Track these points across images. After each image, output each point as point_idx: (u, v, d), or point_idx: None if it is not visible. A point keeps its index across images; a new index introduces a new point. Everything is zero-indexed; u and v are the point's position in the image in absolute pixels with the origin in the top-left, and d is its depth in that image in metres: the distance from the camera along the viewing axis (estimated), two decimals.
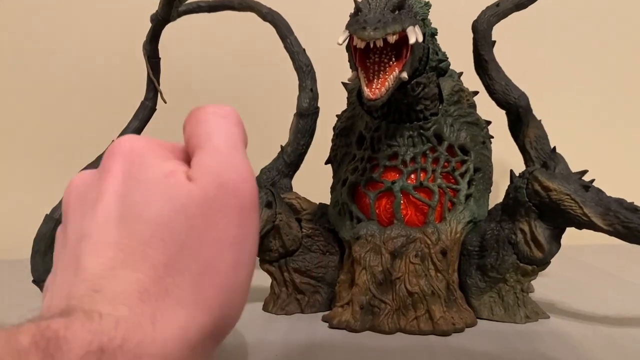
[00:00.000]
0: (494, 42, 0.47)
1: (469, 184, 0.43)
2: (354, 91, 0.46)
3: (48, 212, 0.43)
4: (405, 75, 0.36)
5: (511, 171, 0.42)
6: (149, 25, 0.50)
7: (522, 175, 0.41)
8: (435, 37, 0.43)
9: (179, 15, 0.50)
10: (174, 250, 0.20)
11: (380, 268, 0.40)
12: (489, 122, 0.46)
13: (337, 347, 0.36)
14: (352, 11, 0.36)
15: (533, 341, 0.36)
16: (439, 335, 0.38)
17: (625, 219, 0.36)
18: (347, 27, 0.36)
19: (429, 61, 0.41)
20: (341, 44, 0.36)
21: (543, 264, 0.40)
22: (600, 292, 0.49)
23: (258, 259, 0.44)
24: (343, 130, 0.46)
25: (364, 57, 0.37)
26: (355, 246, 0.41)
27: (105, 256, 0.20)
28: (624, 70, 0.78)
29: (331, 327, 0.40)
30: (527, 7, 0.48)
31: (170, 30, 0.50)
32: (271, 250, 0.43)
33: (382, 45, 0.35)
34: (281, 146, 0.50)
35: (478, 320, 0.40)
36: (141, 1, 0.53)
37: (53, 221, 0.42)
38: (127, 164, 0.22)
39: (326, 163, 0.49)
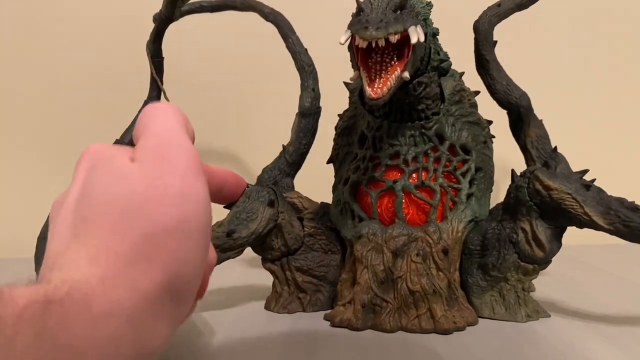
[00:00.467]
0: (496, 42, 0.47)
1: (471, 183, 0.43)
2: (355, 91, 0.46)
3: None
4: (407, 74, 0.37)
5: (512, 170, 0.42)
6: (152, 24, 0.50)
7: (523, 174, 0.41)
8: (437, 37, 0.43)
9: (182, 15, 0.50)
10: (118, 216, 0.21)
11: (381, 267, 0.40)
12: (490, 122, 0.47)
13: (338, 345, 0.36)
14: (354, 11, 0.37)
15: (534, 340, 0.36)
16: (440, 334, 0.38)
17: (626, 218, 0.36)
18: (349, 26, 0.36)
19: (431, 61, 0.41)
20: (343, 44, 0.36)
21: (544, 263, 0.40)
22: (601, 292, 0.49)
23: (260, 257, 0.45)
24: (345, 129, 0.47)
25: (366, 57, 0.37)
26: (357, 245, 0.41)
27: (62, 238, 0.22)
28: (625, 70, 0.78)
29: (333, 325, 0.40)
30: (528, 7, 0.48)
31: (173, 30, 0.50)
32: (273, 249, 0.43)
33: (384, 44, 0.35)
34: (283, 145, 0.50)
35: (479, 319, 0.41)
36: (144, 1, 0.53)
37: None
38: (89, 162, 0.25)
39: (328, 162, 0.49)
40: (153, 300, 0.21)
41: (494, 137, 0.47)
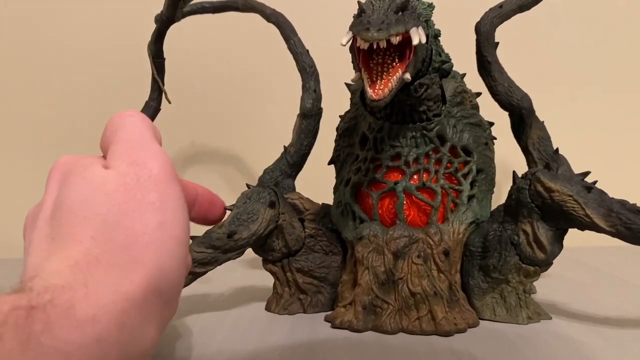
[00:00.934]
0: (497, 43, 0.47)
1: (472, 185, 0.43)
2: (357, 92, 0.46)
3: None
4: (408, 76, 0.37)
5: (514, 172, 0.42)
6: (154, 25, 0.50)
7: (524, 176, 0.41)
8: (439, 38, 0.43)
9: (183, 16, 0.50)
10: (97, 224, 0.22)
11: (382, 268, 0.40)
12: (491, 124, 0.47)
13: (339, 347, 0.36)
14: (356, 12, 0.37)
15: (535, 342, 0.36)
16: (441, 336, 0.38)
17: (628, 220, 0.36)
18: (351, 28, 0.36)
19: (432, 62, 0.41)
20: (345, 45, 0.36)
21: (545, 265, 0.40)
22: (603, 294, 0.49)
23: (261, 259, 0.45)
24: (346, 130, 0.47)
25: (368, 58, 0.37)
26: (358, 246, 0.41)
27: (40, 249, 0.22)
28: (627, 72, 0.78)
29: (333, 327, 0.40)
30: (530, 8, 0.48)
31: (174, 31, 0.50)
32: (274, 250, 0.43)
33: (385, 46, 0.35)
34: (284, 147, 0.50)
35: (480, 321, 0.40)
36: (146, 2, 0.53)
37: None
38: (59, 174, 0.25)
39: (329, 163, 0.49)
40: (138, 303, 0.21)
41: (495, 138, 0.47)
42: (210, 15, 0.54)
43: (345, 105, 0.48)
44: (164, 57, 0.51)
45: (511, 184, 0.42)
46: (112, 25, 0.74)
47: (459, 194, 0.42)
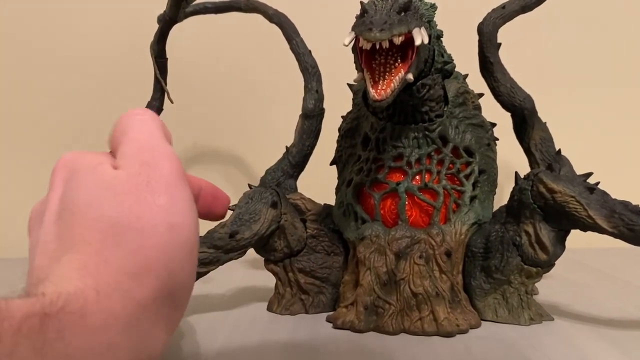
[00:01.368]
0: (500, 44, 0.47)
1: (474, 185, 0.43)
2: (359, 92, 0.46)
3: None
4: (410, 76, 0.37)
5: (516, 173, 0.42)
6: (157, 25, 0.50)
7: (527, 177, 0.41)
8: (441, 39, 0.43)
9: (186, 16, 0.50)
10: (107, 226, 0.21)
11: (384, 269, 0.40)
12: (494, 124, 0.47)
13: (341, 347, 0.36)
14: (358, 13, 0.37)
15: (537, 343, 0.36)
16: (443, 337, 0.38)
17: (630, 221, 0.36)
18: (353, 28, 0.36)
19: (435, 63, 0.41)
20: (347, 45, 0.36)
21: (547, 266, 0.40)
22: (605, 295, 0.49)
23: (263, 259, 0.45)
24: (348, 131, 0.47)
25: (370, 59, 0.37)
26: (359, 247, 0.41)
27: (48, 251, 0.22)
28: (630, 72, 0.78)
29: (335, 327, 0.40)
30: (532, 9, 0.48)
31: (177, 31, 0.51)
32: (276, 250, 0.43)
33: (387, 46, 0.35)
34: (286, 147, 0.50)
35: (482, 321, 0.40)
36: (149, 2, 0.53)
37: None
38: (65, 172, 0.24)
39: (331, 164, 0.49)
40: (148, 308, 0.21)
41: (497, 139, 0.46)
42: (212, 15, 0.54)
43: (348, 106, 0.48)
44: (167, 57, 0.51)
45: (513, 184, 0.42)
46: (115, 25, 0.74)
47: (461, 194, 0.42)
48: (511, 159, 0.51)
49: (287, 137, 0.51)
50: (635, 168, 0.77)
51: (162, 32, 0.50)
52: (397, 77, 0.36)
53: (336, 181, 0.48)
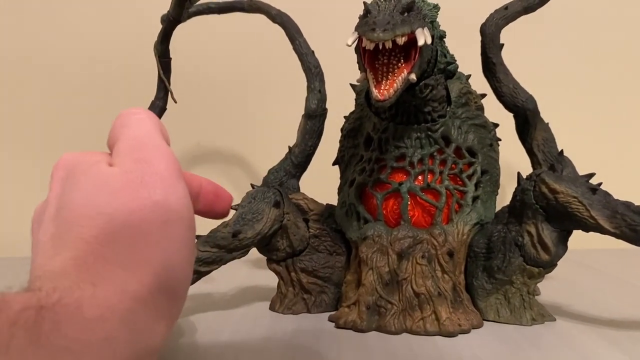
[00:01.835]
0: (502, 45, 0.47)
1: (476, 186, 0.43)
2: (362, 93, 0.46)
3: None
4: (413, 76, 0.37)
5: (518, 173, 0.42)
6: (160, 25, 0.50)
7: (529, 177, 0.41)
8: (444, 39, 0.43)
9: (189, 16, 0.50)
10: (103, 223, 0.22)
11: (386, 269, 0.40)
12: (496, 125, 0.47)
13: (343, 347, 0.36)
14: (361, 13, 0.37)
15: (539, 343, 0.36)
16: (445, 336, 0.38)
17: (633, 222, 0.36)
18: (357, 28, 0.36)
19: (437, 63, 0.41)
20: (350, 45, 0.36)
21: (550, 266, 0.40)
22: (607, 296, 0.49)
23: (265, 258, 0.45)
24: (351, 131, 0.47)
25: (373, 59, 0.37)
26: (362, 247, 0.41)
27: (47, 249, 0.22)
28: (632, 73, 0.78)
29: (337, 327, 0.40)
30: (535, 10, 0.48)
31: (180, 31, 0.51)
32: (278, 249, 0.43)
33: (391, 46, 0.35)
34: (289, 147, 0.50)
35: (484, 322, 0.40)
36: (153, 2, 0.53)
37: None
38: (63, 172, 0.25)
39: (334, 164, 0.49)
40: (145, 301, 0.22)
41: (500, 140, 0.47)
42: (216, 15, 0.54)
43: (350, 106, 0.48)
44: (170, 57, 0.51)
45: (516, 185, 0.42)
46: (119, 25, 0.74)
47: (464, 195, 0.42)
48: (513, 159, 0.51)
49: (290, 137, 0.51)
50: (637, 169, 0.77)
51: (165, 32, 0.50)
52: (400, 78, 0.36)
53: (338, 181, 0.48)
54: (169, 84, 0.51)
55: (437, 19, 0.41)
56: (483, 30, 0.47)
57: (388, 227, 0.41)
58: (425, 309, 0.39)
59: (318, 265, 0.44)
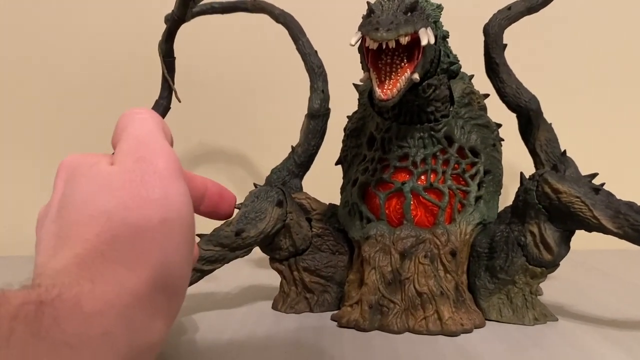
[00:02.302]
0: (505, 45, 0.47)
1: (479, 186, 0.43)
2: (365, 92, 0.46)
3: None
4: (416, 76, 0.37)
5: (521, 173, 0.42)
6: (165, 25, 0.51)
7: (532, 177, 0.41)
8: (447, 39, 0.43)
9: (193, 16, 0.50)
10: (103, 221, 0.22)
11: (389, 268, 0.40)
12: (499, 125, 0.47)
13: (345, 346, 0.36)
14: (365, 13, 0.37)
15: (541, 343, 0.36)
16: (448, 336, 0.38)
17: (635, 222, 0.36)
18: (360, 28, 0.36)
19: (440, 63, 0.41)
20: (353, 45, 0.36)
21: (552, 266, 0.40)
22: (609, 296, 0.49)
23: (268, 257, 0.45)
24: (354, 131, 0.47)
25: (376, 58, 0.37)
26: (364, 246, 0.41)
27: (48, 248, 0.23)
28: (636, 74, 0.77)
29: (340, 326, 0.40)
30: (538, 10, 0.48)
31: (185, 31, 0.51)
32: (281, 249, 0.43)
33: (394, 46, 0.35)
34: (292, 147, 0.50)
35: (486, 321, 0.41)
36: (157, 2, 0.53)
37: None
38: (66, 173, 0.25)
39: (336, 164, 0.49)
40: (144, 298, 0.22)
41: (503, 140, 0.47)
42: (219, 15, 0.54)
43: (353, 106, 0.48)
44: (174, 56, 0.52)
45: (518, 185, 0.42)
46: (123, 25, 0.74)
47: (466, 194, 0.42)
48: (516, 159, 0.51)
49: (293, 136, 0.51)
50: None
51: (169, 32, 0.50)
52: (403, 77, 0.36)
53: (341, 181, 0.48)
54: (173, 83, 0.51)
55: (440, 19, 0.41)
56: (486, 30, 0.47)
57: (391, 226, 0.41)
58: (427, 309, 0.39)
59: (321, 265, 0.44)
